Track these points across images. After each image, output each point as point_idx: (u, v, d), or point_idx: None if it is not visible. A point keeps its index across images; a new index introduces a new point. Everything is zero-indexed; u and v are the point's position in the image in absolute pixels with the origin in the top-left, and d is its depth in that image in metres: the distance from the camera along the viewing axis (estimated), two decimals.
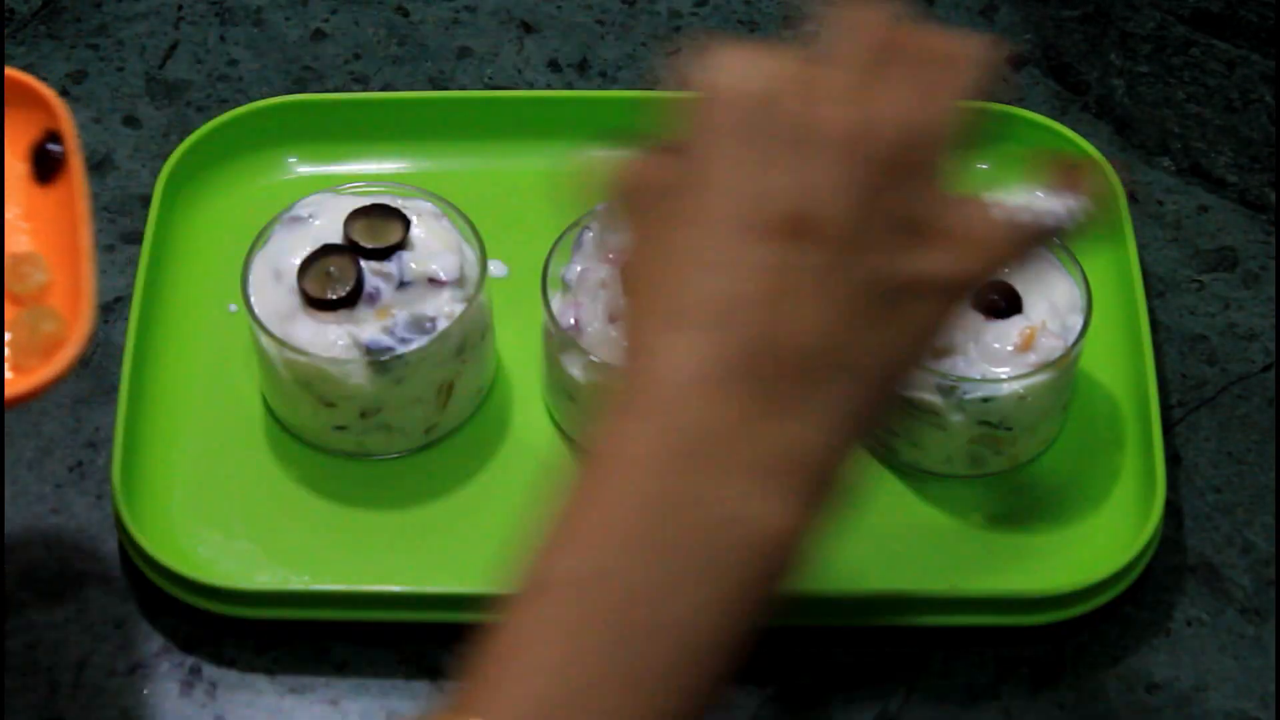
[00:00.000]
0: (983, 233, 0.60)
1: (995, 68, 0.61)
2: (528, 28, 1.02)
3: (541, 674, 0.55)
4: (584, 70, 1.01)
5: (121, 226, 0.93)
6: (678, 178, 0.59)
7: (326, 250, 0.82)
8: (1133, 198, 0.95)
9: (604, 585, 0.56)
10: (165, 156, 0.93)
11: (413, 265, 0.82)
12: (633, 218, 0.60)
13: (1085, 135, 0.94)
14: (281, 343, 0.81)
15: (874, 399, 0.59)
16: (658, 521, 0.56)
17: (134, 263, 0.91)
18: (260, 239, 0.84)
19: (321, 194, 0.85)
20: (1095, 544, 0.82)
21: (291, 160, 0.95)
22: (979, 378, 0.80)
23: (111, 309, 0.90)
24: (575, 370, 0.81)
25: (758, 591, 0.57)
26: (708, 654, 0.56)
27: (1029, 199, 0.63)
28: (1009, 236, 0.61)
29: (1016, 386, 0.80)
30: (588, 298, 0.82)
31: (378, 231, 0.82)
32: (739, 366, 0.57)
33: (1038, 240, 0.62)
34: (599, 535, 0.56)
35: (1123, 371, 0.87)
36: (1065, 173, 0.63)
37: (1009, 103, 0.97)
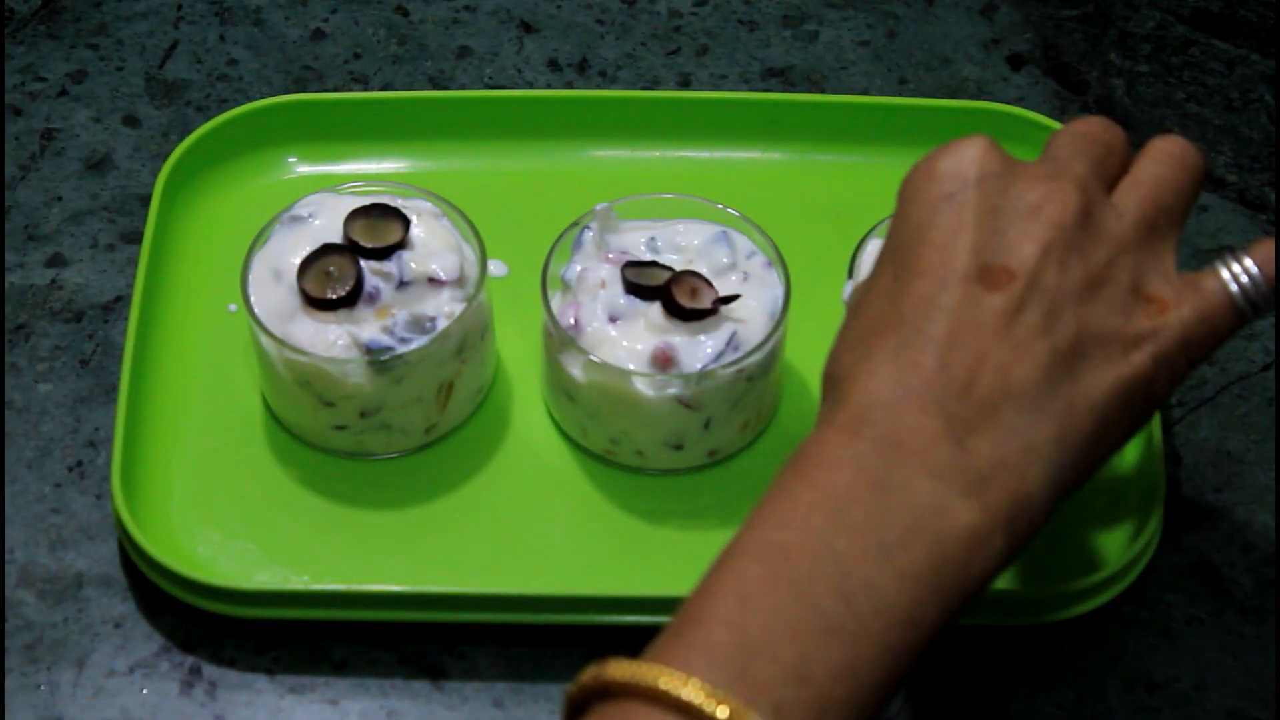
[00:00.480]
0: (1190, 302, 0.67)
1: (1194, 163, 0.70)
2: (528, 28, 1.02)
3: (721, 624, 0.59)
4: (584, 70, 1.00)
5: (121, 226, 0.93)
6: (900, 238, 0.67)
7: (326, 250, 0.82)
8: None
9: (790, 551, 0.61)
10: (165, 156, 0.93)
11: (413, 265, 0.82)
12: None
13: None
14: (281, 343, 0.81)
15: (1068, 443, 0.64)
16: (849, 503, 0.61)
17: (134, 263, 0.91)
18: (260, 239, 0.84)
19: (321, 194, 0.85)
20: (1095, 544, 0.82)
21: (291, 160, 0.95)
22: None
23: (111, 309, 0.90)
24: (575, 370, 0.81)
25: (945, 580, 0.61)
26: (889, 622, 0.60)
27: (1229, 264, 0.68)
28: (1217, 307, 0.67)
29: None
30: (587, 298, 0.82)
31: (378, 231, 0.82)
32: (940, 390, 0.63)
33: (1245, 314, 0.68)
34: (792, 514, 0.62)
35: None
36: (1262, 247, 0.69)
37: (1009, 103, 0.97)
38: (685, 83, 1.00)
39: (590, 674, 0.60)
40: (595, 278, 0.82)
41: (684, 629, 0.60)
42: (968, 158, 0.67)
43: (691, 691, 0.58)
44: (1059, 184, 0.66)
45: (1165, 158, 0.70)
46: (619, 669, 0.59)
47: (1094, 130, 0.70)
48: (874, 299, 0.66)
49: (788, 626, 0.59)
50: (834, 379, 0.66)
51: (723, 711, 0.57)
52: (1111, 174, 0.69)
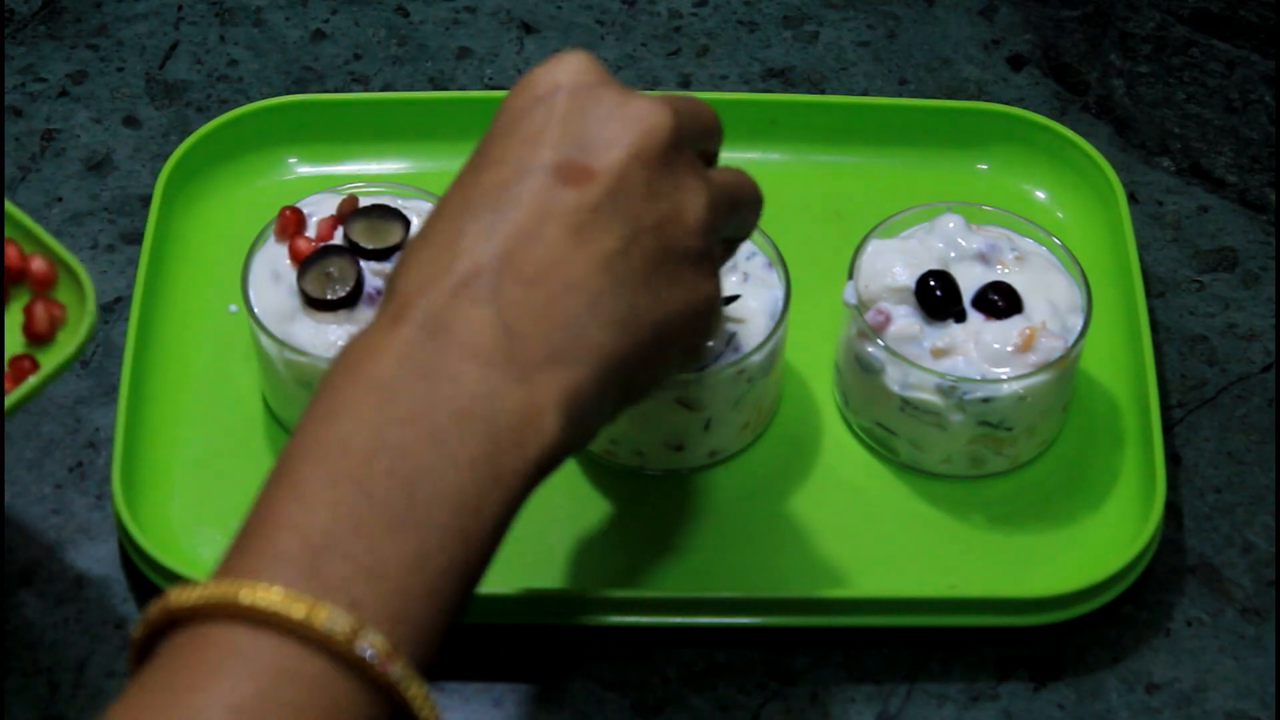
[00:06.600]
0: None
1: (760, 206, 0.72)
2: (528, 28, 1.02)
3: (285, 530, 0.57)
4: None
5: (121, 226, 0.93)
6: (486, 137, 0.66)
7: (326, 251, 0.82)
8: (1133, 198, 0.95)
9: (345, 445, 0.59)
10: (165, 156, 0.93)
11: None
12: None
13: (1085, 135, 0.94)
14: (281, 343, 0.81)
15: (626, 348, 0.63)
16: (397, 393, 0.59)
17: (134, 263, 0.91)
18: (260, 239, 0.84)
19: (321, 194, 0.85)
20: (1095, 544, 0.82)
21: (291, 160, 0.95)
22: (979, 378, 0.80)
23: (111, 309, 0.90)
24: None
25: (503, 464, 0.60)
26: (453, 508, 0.59)
27: None
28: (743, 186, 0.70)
29: (1017, 387, 0.80)
30: None
31: (378, 232, 0.82)
32: (494, 275, 0.61)
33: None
34: (341, 408, 0.60)
35: (1123, 371, 0.87)
36: None
37: (1009, 103, 0.97)
38: (685, 83, 1.00)
39: (156, 608, 0.57)
40: None
41: (248, 543, 0.58)
42: (566, 67, 0.66)
43: (270, 597, 0.55)
44: (658, 104, 0.65)
45: (749, 181, 0.71)
46: (186, 594, 0.56)
47: (698, 104, 0.69)
48: (447, 193, 0.65)
49: (353, 522, 0.57)
50: (395, 272, 0.64)
51: (298, 610, 0.55)
52: (703, 144, 0.69)
